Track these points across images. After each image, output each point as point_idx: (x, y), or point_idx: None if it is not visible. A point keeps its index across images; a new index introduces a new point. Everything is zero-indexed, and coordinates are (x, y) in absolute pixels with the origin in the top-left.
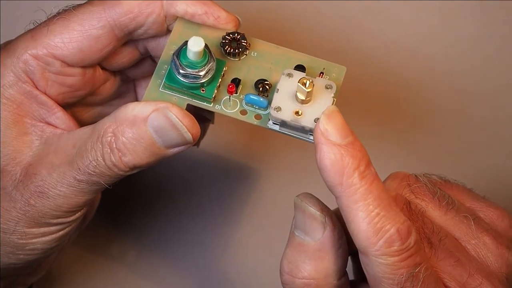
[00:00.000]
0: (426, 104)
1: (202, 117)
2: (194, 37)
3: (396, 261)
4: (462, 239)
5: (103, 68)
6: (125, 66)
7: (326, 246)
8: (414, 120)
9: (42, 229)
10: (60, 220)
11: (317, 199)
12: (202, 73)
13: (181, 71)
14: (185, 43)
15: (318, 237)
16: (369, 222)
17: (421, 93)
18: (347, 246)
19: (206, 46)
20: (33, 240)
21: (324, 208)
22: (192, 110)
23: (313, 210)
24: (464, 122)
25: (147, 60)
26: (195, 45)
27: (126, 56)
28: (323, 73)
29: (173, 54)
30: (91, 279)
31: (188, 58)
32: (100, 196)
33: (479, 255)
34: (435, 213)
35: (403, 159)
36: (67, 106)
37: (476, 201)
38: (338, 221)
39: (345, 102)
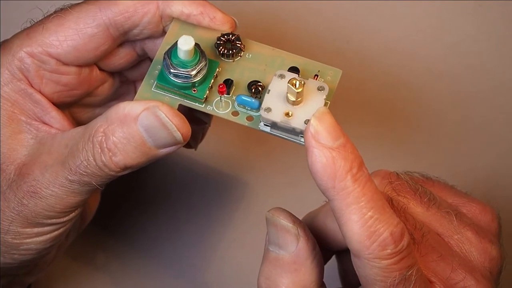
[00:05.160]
0: (424, 104)
1: (199, 119)
2: (184, 36)
3: (389, 264)
4: (444, 234)
5: (100, 69)
6: (123, 67)
7: (301, 258)
8: (412, 120)
9: (36, 229)
10: (53, 220)
11: (288, 212)
12: (193, 73)
13: (172, 70)
14: (177, 42)
15: (292, 249)
16: (362, 225)
17: (419, 94)
18: (322, 257)
19: (197, 45)
20: (27, 240)
21: (296, 220)
22: (189, 112)
23: (285, 223)
24: (463, 123)
25: (147, 61)
26: (185, 43)
27: (123, 58)
28: (317, 76)
29: (165, 53)
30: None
31: (179, 57)
32: (100, 199)
33: (462, 250)
34: (417, 209)
35: (401, 160)
36: (64, 105)
37: (458, 197)
38: (310, 232)
39: (343, 103)
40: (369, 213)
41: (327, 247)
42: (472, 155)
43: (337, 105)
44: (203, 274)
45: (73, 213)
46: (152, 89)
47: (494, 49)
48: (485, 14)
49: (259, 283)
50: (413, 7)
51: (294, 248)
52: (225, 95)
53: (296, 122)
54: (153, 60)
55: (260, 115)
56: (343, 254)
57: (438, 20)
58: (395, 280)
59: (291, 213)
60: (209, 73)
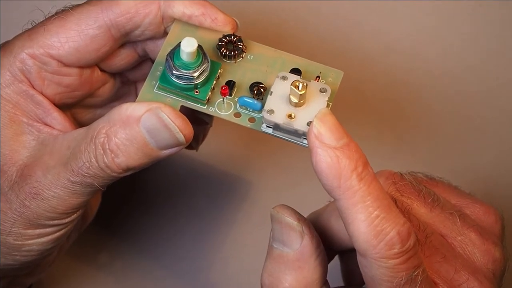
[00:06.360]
0: (424, 104)
1: (200, 120)
2: (187, 37)
3: (396, 264)
4: (448, 235)
5: (102, 70)
6: (124, 68)
7: (305, 255)
8: (412, 120)
9: (38, 231)
10: (55, 221)
11: (293, 209)
12: (195, 74)
13: (174, 72)
14: (179, 44)
15: (296, 247)
16: (369, 224)
17: (419, 94)
18: (325, 255)
19: (200, 47)
20: (29, 242)
21: (300, 217)
22: (190, 113)
23: (290, 220)
24: (463, 123)
25: (148, 62)
26: (188, 45)
27: (124, 59)
28: (319, 77)
29: (167, 55)
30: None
31: (182, 59)
32: (101, 199)
33: (465, 252)
34: (421, 210)
35: (402, 160)
36: (66, 106)
37: (462, 198)
38: (315, 230)
39: (343, 103)
40: (376, 212)
41: (330, 247)
42: (472, 155)
43: (337, 105)
44: (205, 274)
45: (75, 214)
46: (154, 90)
47: (494, 49)
48: (485, 14)
49: (262, 279)
50: (413, 7)
51: (298, 246)
52: (227, 96)
53: (299, 124)
54: (155, 61)
55: (262, 117)
56: (347, 254)
57: (438, 20)
58: (401, 280)
59: (296, 211)
60: (211, 74)
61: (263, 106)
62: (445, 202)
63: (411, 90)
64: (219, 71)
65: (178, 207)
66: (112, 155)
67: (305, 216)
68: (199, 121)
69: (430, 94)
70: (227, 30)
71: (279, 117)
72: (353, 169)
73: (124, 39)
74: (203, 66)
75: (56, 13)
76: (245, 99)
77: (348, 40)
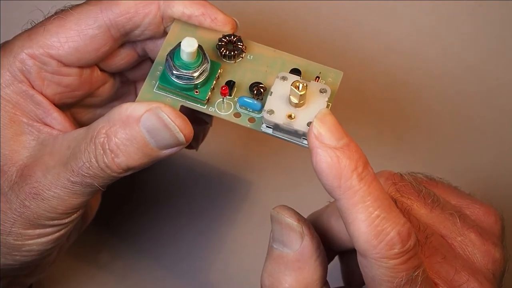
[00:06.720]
0: (424, 104)
1: (200, 119)
2: (187, 37)
3: (396, 264)
4: (448, 236)
5: (101, 70)
6: (124, 68)
7: (305, 256)
8: (412, 120)
9: (38, 231)
10: (55, 222)
11: (293, 210)
12: (195, 74)
13: (174, 72)
14: (179, 44)
15: (296, 247)
16: (369, 224)
17: (419, 94)
18: (325, 256)
19: (200, 47)
20: (29, 242)
21: (300, 218)
22: (190, 113)
23: (290, 221)
24: (463, 123)
25: (147, 62)
26: (188, 45)
27: (124, 58)
28: (319, 78)
29: (167, 54)
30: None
31: (182, 59)
32: (101, 199)
33: (465, 252)
34: (421, 211)
35: (401, 160)
36: (65, 106)
37: (462, 198)
38: (315, 230)
39: (343, 103)
40: (376, 212)
41: (330, 248)
42: (472, 155)
43: (337, 105)
44: (205, 274)
45: (75, 214)
46: (154, 90)
47: (494, 49)
48: (485, 14)
49: (262, 280)
50: (413, 7)
51: (298, 246)
52: (227, 96)
53: (299, 124)
54: (155, 61)
55: (262, 117)
56: (347, 255)
57: (438, 20)
58: (401, 280)
59: (296, 211)
60: (211, 74)
61: (263, 106)
62: (445, 203)
63: (411, 90)
64: (219, 71)
65: (178, 207)
66: (112, 155)
67: (305, 216)
68: (199, 121)
69: (430, 94)
70: (227, 30)
71: (279, 118)
72: (353, 169)
73: (124, 39)
74: (203, 66)
75: (56, 13)
76: (245, 99)
77: (348, 40)
